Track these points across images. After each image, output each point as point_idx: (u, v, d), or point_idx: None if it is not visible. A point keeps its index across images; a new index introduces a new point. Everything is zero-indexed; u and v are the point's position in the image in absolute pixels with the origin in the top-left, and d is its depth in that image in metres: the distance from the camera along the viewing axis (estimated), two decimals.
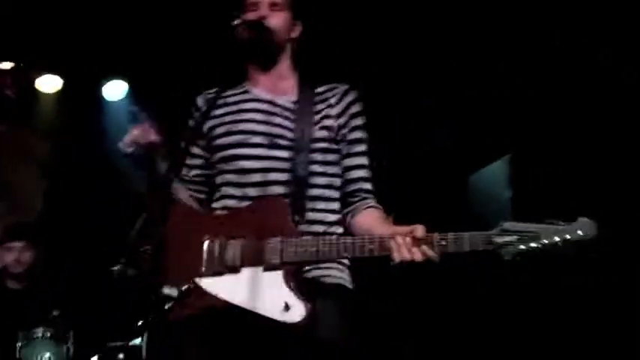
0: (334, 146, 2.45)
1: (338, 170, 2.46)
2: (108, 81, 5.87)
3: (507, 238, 2.03)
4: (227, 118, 2.47)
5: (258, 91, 2.51)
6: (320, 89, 2.51)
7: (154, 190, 2.23)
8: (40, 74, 5.83)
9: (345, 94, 2.49)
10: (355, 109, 2.49)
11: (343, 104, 2.47)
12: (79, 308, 4.39)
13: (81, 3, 5.13)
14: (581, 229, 1.98)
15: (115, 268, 4.00)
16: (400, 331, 5.11)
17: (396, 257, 2.09)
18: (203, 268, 2.24)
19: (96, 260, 4.37)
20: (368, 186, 2.48)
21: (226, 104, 2.50)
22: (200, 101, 2.55)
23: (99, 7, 5.15)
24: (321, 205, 2.40)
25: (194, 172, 2.53)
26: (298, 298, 2.13)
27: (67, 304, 4.32)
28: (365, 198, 2.45)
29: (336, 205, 2.45)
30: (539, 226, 2.03)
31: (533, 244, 2.01)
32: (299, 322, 2.10)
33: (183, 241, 2.29)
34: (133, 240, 2.02)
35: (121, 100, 5.89)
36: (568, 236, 1.98)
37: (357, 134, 2.48)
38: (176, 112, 2.74)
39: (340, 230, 2.44)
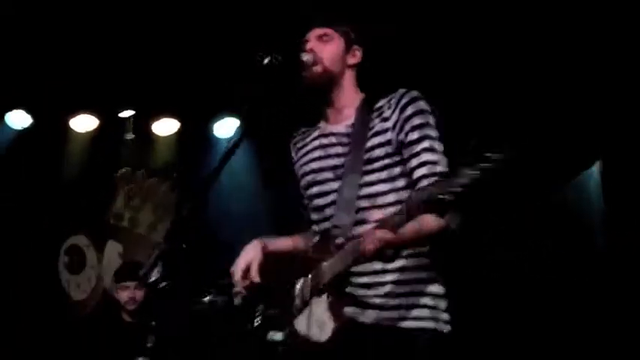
0: (397, 158, 2.32)
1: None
2: (219, 119, 6.16)
3: (430, 190, 1.89)
4: (302, 160, 2.55)
5: (324, 126, 2.53)
6: (379, 104, 2.41)
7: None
8: (156, 119, 6.22)
9: (398, 100, 2.36)
10: (410, 110, 2.32)
11: (397, 112, 2.34)
12: (173, 339, 4.60)
13: (190, 47, 5.43)
14: (500, 150, 1.75)
15: (206, 298, 4.20)
16: None
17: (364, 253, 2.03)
18: (295, 309, 2.33)
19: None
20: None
21: (304, 146, 2.58)
22: (291, 147, 2.65)
23: (208, 49, 5.44)
24: None
25: (307, 213, 2.60)
26: (331, 315, 2.15)
27: (163, 335, 4.50)
28: None
29: None
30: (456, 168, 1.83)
31: (453, 189, 1.81)
32: (325, 341, 2.13)
33: (285, 286, 2.40)
34: (144, 270, 2.05)
35: (232, 136, 6.15)
36: (487, 164, 1.75)
37: (415, 135, 2.29)
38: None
39: (421, 249, 2.32)
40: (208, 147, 6.14)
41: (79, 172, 6.32)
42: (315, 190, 2.45)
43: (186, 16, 5.17)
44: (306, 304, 2.28)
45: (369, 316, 2.24)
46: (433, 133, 2.31)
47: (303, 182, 2.52)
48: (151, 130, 6.25)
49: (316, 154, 2.49)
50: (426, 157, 2.28)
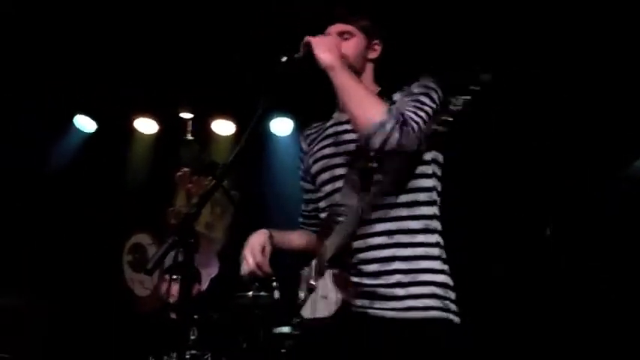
0: None
1: (426, 156, 2.30)
2: (276, 117, 6.26)
3: None
4: (314, 149, 2.54)
5: (339, 115, 2.52)
6: (395, 96, 2.39)
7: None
8: (214, 120, 6.38)
9: (410, 85, 2.34)
10: (414, 85, 2.31)
11: (406, 92, 2.33)
12: (215, 331, 4.59)
13: (246, 49, 5.54)
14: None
15: (250, 293, 4.24)
16: None
17: None
18: (301, 299, 2.35)
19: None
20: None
21: (318, 136, 2.57)
22: (301, 141, 2.67)
23: (263, 51, 5.53)
24: (404, 212, 2.27)
25: (310, 206, 2.63)
26: (335, 287, 2.12)
27: (205, 328, 4.53)
28: None
29: (424, 210, 2.29)
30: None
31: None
32: (331, 315, 2.09)
33: (292, 281, 2.45)
34: (154, 262, 1.98)
35: (288, 136, 6.28)
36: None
37: (405, 96, 2.29)
38: None
39: (431, 239, 2.28)
40: (265, 145, 6.27)
41: (141, 173, 6.52)
42: (326, 175, 2.45)
43: (240, 20, 5.29)
44: (311, 289, 2.29)
45: (377, 308, 2.21)
46: (424, 98, 2.25)
47: (315, 168, 2.51)
48: (210, 131, 6.41)
49: (330, 140, 2.49)
50: (399, 105, 2.24)
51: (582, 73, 4.91)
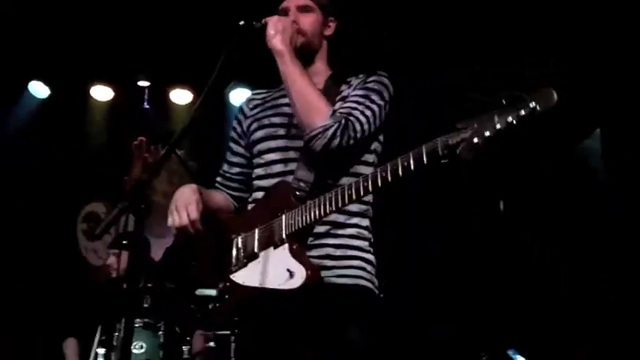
0: None
1: (371, 146, 2.42)
2: (234, 88, 6.22)
3: (462, 136, 1.83)
4: (260, 115, 2.55)
5: None
6: (350, 79, 2.49)
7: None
8: (172, 89, 6.32)
9: (368, 75, 2.44)
10: (370, 79, 2.42)
11: (362, 81, 2.43)
12: (168, 300, 4.61)
13: (204, 18, 5.49)
14: (535, 100, 1.74)
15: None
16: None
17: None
18: (233, 265, 2.37)
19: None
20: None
21: (263, 103, 2.58)
22: (244, 104, 2.67)
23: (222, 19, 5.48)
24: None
25: (235, 169, 2.64)
26: (300, 263, 2.17)
27: (158, 296, 4.56)
28: None
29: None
30: (489, 113, 1.79)
31: (488, 133, 1.78)
32: (298, 287, 2.14)
33: (216, 244, 2.44)
34: (102, 227, 1.98)
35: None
36: (522, 112, 1.75)
37: (357, 90, 2.39)
38: None
39: (364, 223, 2.40)
40: (224, 116, 6.24)
41: (97, 141, 6.43)
42: (272, 144, 2.47)
43: None
44: (252, 257, 2.32)
45: None
46: (375, 96, 2.37)
47: (258, 134, 2.51)
48: (167, 100, 6.34)
49: (281, 110, 2.51)
50: (349, 101, 2.35)
51: None
